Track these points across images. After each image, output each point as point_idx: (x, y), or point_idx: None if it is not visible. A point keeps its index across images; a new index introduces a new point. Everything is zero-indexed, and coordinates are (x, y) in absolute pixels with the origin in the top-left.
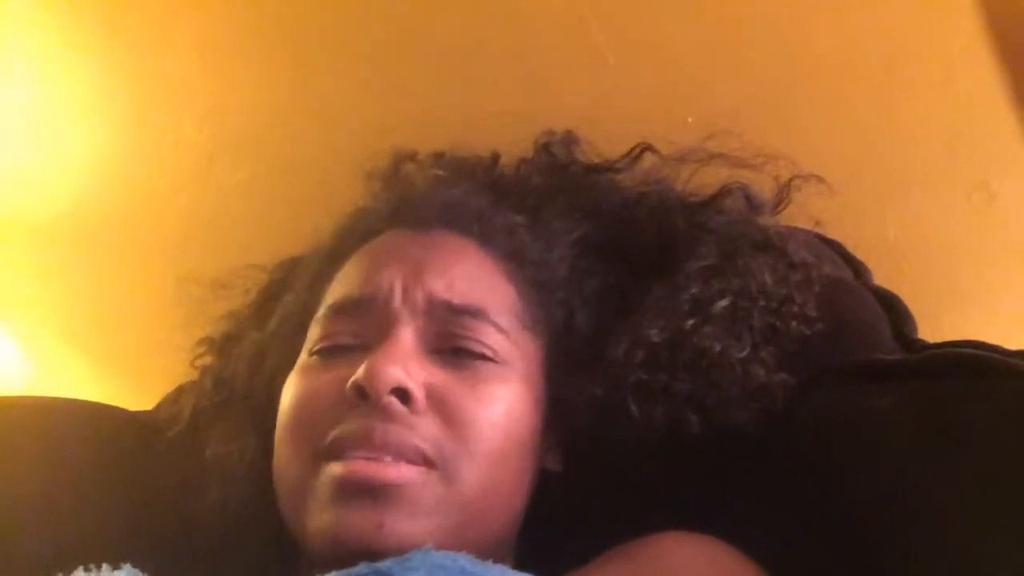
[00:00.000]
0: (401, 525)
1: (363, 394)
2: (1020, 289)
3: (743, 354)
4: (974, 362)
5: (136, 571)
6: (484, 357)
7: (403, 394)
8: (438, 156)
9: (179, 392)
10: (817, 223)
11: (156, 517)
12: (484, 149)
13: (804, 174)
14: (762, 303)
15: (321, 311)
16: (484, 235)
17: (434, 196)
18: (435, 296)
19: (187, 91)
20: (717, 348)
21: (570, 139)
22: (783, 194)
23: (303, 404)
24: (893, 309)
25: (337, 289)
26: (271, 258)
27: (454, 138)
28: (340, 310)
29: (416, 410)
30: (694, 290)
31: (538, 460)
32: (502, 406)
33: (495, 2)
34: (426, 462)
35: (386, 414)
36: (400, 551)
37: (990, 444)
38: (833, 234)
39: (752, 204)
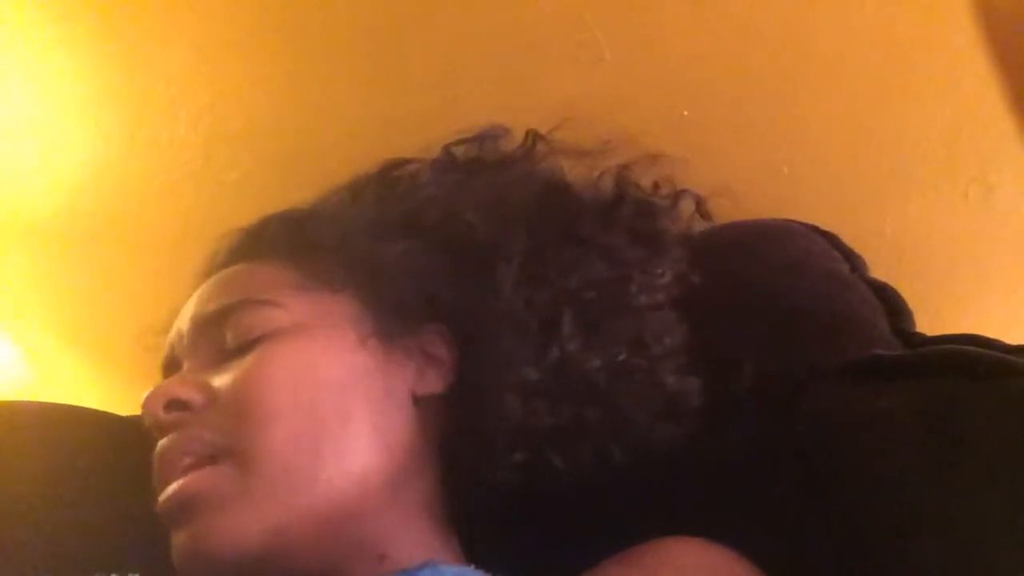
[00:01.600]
0: (216, 524)
1: (149, 425)
2: (1018, 283)
3: (633, 359)
4: (974, 360)
5: None
6: (260, 337)
7: (178, 404)
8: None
9: None
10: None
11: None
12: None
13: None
14: (593, 295)
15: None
16: (253, 251)
17: (229, 241)
18: (206, 314)
19: (182, 89)
20: (597, 363)
21: (486, 135)
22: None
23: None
24: (889, 302)
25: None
26: None
27: (449, 134)
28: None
29: (195, 409)
30: (525, 304)
31: (397, 392)
32: (281, 364)
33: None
34: (218, 455)
35: (166, 429)
36: (232, 555)
37: (991, 444)
38: (831, 228)
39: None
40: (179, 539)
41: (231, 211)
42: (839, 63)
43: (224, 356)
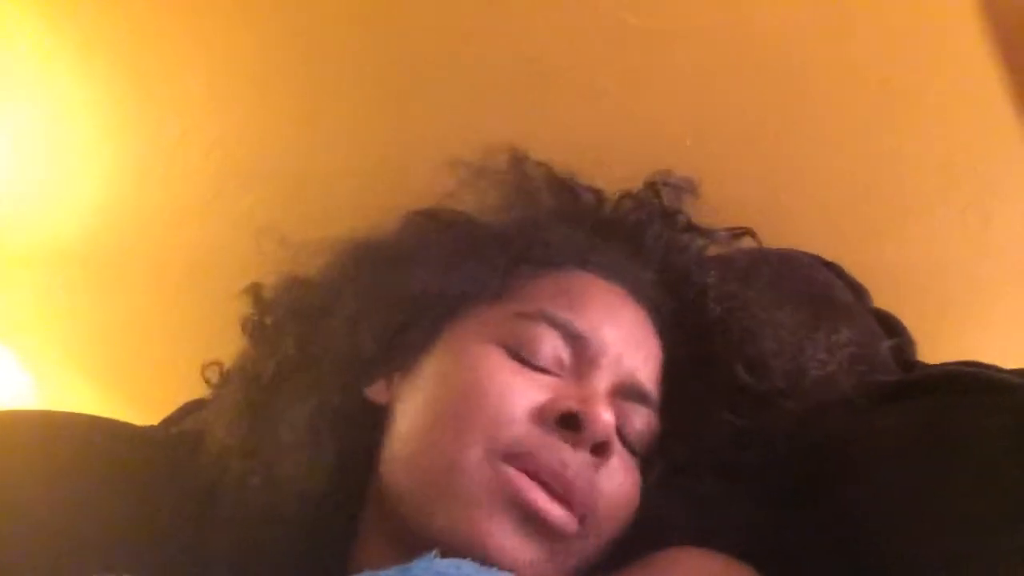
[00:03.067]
0: (531, 551)
1: (571, 425)
2: (1016, 308)
3: None
4: (969, 378)
5: None
6: (642, 449)
7: (603, 448)
8: (551, 176)
9: (186, 410)
10: None
11: (161, 529)
12: None
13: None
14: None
15: (527, 312)
16: (650, 306)
17: (612, 253)
18: (637, 376)
19: (195, 122)
20: None
21: (686, 186)
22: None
23: (483, 390)
24: (893, 331)
25: (551, 304)
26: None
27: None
28: (553, 324)
29: (601, 464)
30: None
31: None
32: (631, 499)
33: (500, 33)
34: (582, 515)
35: (578, 455)
36: (511, 569)
37: (985, 454)
38: (831, 257)
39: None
40: (504, 530)
41: (240, 241)
42: (836, 94)
43: (622, 428)
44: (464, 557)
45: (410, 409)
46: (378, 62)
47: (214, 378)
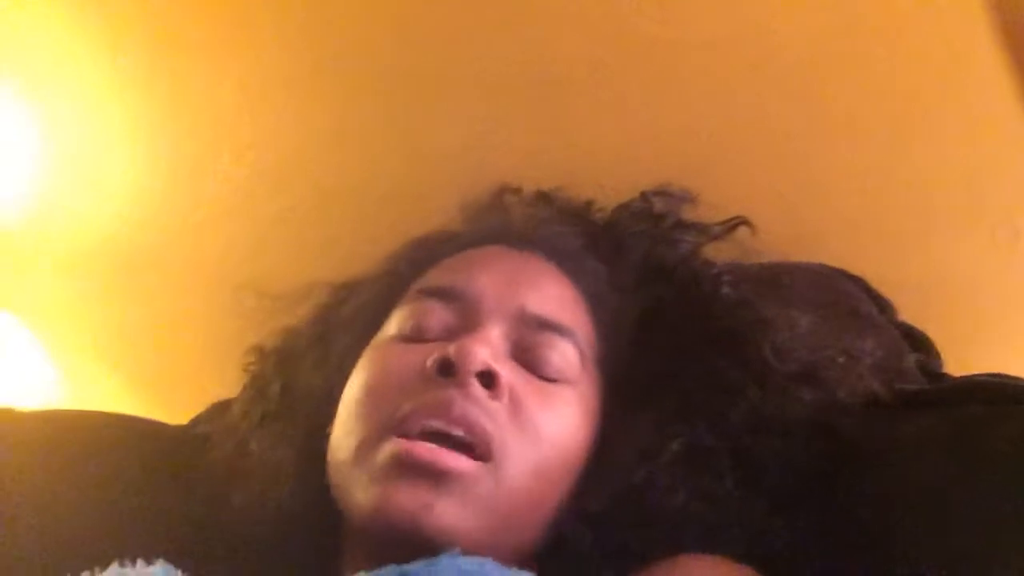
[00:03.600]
0: (449, 513)
1: (448, 370)
2: None
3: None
4: (994, 388)
5: (170, 567)
6: (561, 376)
7: (488, 378)
8: (540, 195)
9: (214, 411)
10: None
11: (187, 522)
12: (511, 180)
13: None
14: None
15: (408, 295)
16: (574, 271)
17: (535, 225)
18: (527, 307)
19: (227, 124)
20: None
21: (682, 197)
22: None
23: (379, 377)
24: (918, 343)
25: (429, 279)
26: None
27: (483, 171)
28: (431, 294)
29: (496, 396)
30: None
31: (572, 493)
32: (566, 425)
33: (524, 41)
34: (485, 451)
35: (467, 393)
36: (440, 540)
37: (1011, 465)
38: (856, 272)
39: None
40: (399, 494)
41: (270, 245)
42: (860, 107)
43: (526, 359)
44: (403, 540)
45: (336, 420)
46: (408, 70)
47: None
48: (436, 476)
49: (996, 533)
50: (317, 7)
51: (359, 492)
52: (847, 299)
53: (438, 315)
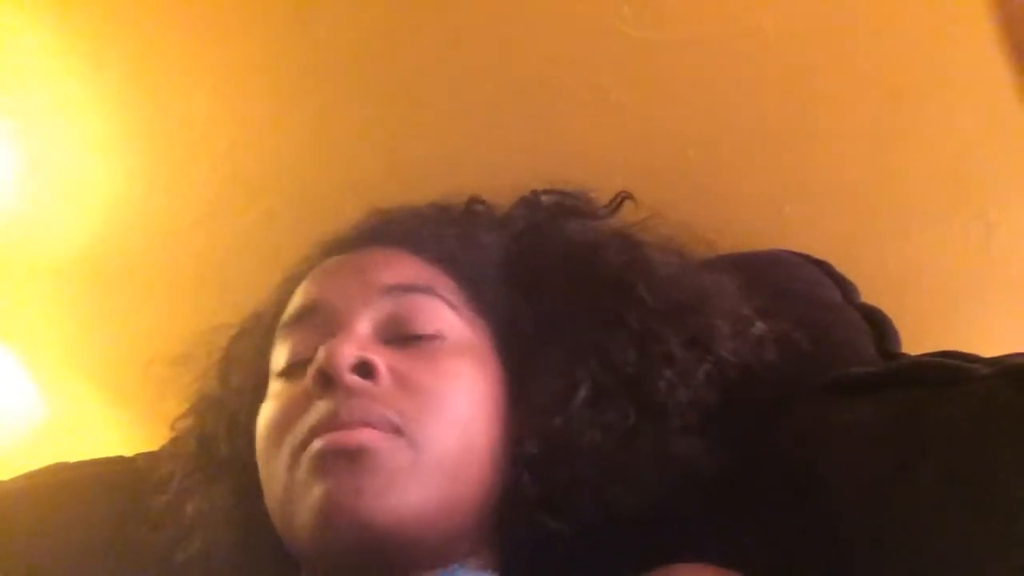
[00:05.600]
0: (383, 494)
1: (326, 379)
2: (1018, 320)
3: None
4: (939, 369)
5: None
6: (439, 335)
7: (365, 368)
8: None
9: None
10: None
11: (132, 560)
12: (492, 185)
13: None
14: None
15: (277, 333)
16: (413, 244)
17: (361, 223)
18: (381, 283)
19: (204, 132)
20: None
21: (572, 195)
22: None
23: (275, 415)
24: (877, 325)
25: (286, 312)
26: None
27: (464, 174)
28: (293, 322)
29: (379, 382)
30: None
31: (510, 440)
32: (460, 378)
33: (506, 44)
34: (393, 430)
35: (349, 391)
36: (389, 527)
37: (955, 447)
38: (836, 264)
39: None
40: (327, 487)
41: (250, 251)
42: (842, 103)
43: (396, 335)
44: (355, 547)
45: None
46: (387, 75)
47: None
48: (351, 454)
49: (929, 522)
50: (295, 15)
51: (298, 517)
52: (806, 286)
53: (305, 339)
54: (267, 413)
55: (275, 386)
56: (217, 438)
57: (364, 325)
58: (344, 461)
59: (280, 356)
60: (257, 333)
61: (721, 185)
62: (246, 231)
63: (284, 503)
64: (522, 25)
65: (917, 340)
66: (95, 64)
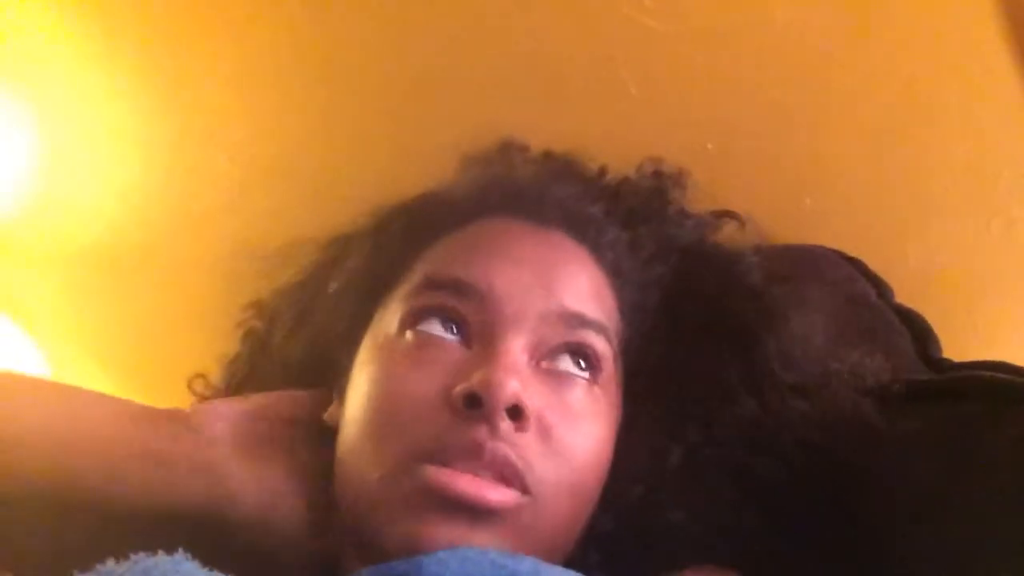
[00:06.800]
0: (486, 547)
1: (476, 404)
2: None
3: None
4: (998, 387)
5: (187, 556)
6: (591, 383)
7: (516, 411)
8: (548, 155)
9: None
10: None
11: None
12: None
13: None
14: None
15: (413, 284)
16: (597, 246)
17: (551, 190)
18: (563, 307)
19: (221, 122)
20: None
21: (680, 176)
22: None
23: (396, 401)
24: (916, 328)
25: (439, 264)
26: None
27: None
28: (441, 286)
29: (523, 428)
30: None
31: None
32: (595, 440)
33: (522, 36)
34: (523, 488)
35: (495, 429)
36: None
37: (1011, 469)
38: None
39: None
40: (438, 526)
41: (266, 240)
42: (860, 97)
43: (552, 366)
44: None
45: (342, 429)
46: (398, 63)
47: (200, 390)
48: (476, 511)
49: (992, 537)
50: (310, 6)
51: (385, 525)
52: (844, 284)
53: (447, 311)
54: (382, 384)
55: (396, 353)
56: (282, 341)
57: (523, 346)
58: (466, 516)
59: (411, 314)
60: (367, 245)
61: (741, 178)
62: (263, 221)
63: (377, 497)
64: (539, 17)
65: (941, 336)
66: (109, 55)
